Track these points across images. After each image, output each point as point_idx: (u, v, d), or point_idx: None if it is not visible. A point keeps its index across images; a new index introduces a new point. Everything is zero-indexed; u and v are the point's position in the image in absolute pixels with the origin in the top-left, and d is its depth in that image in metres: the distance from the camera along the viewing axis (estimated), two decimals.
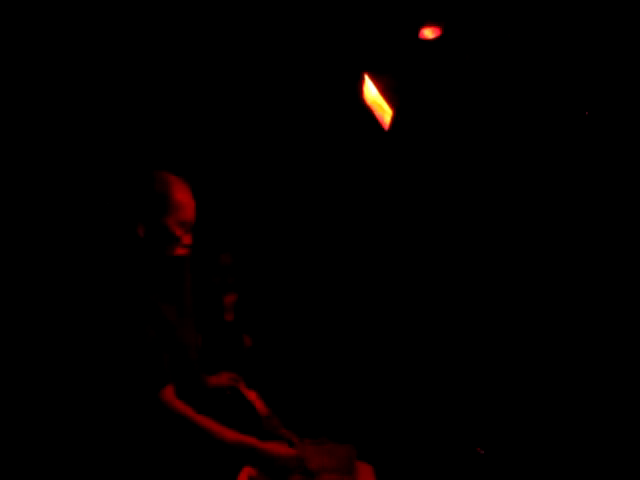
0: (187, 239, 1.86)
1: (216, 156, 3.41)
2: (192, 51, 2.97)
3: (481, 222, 3.12)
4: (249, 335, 3.34)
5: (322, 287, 3.53)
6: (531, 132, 2.89)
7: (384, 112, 3.19)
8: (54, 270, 2.68)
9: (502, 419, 2.84)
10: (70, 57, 2.74)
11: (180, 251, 1.85)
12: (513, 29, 2.79)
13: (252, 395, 2.40)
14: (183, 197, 1.82)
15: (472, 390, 3.01)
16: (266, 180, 3.51)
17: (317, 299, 3.53)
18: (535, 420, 2.73)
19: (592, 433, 2.55)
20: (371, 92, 3.19)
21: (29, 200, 2.69)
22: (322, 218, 3.51)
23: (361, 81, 3.19)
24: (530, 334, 2.86)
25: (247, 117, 3.35)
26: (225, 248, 3.19)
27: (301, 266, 3.57)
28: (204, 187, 2.05)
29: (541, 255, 2.84)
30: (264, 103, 3.34)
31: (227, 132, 3.40)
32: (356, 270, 3.49)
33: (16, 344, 2.57)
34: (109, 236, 1.88)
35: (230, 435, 1.72)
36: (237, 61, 3.11)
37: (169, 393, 1.68)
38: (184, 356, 1.87)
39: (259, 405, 2.33)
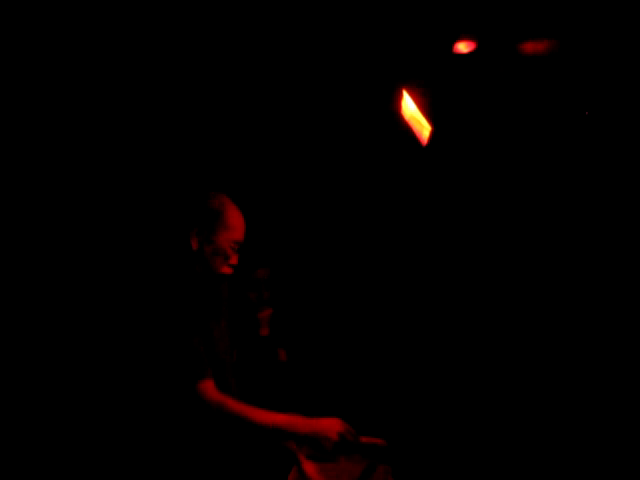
0: (234, 259, 1.97)
1: (251, 171, 3.44)
2: (234, 74, 3.01)
3: (519, 236, 3.10)
4: (284, 350, 3.34)
5: (357, 302, 3.52)
6: (568, 144, 2.88)
7: (422, 127, 3.19)
8: (112, 270, 2.79)
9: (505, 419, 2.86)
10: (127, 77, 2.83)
11: (226, 269, 1.96)
12: (540, 39, 2.79)
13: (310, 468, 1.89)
14: (237, 219, 1.97)
15: (477, 392, 3.04)
16: (302, 196, 3.52)
17: (352, 314, 3.52)
18: (536, 420, 2.76)
19: (592, 433, 2.56)
20: (409, 107, 3.18)
21: (91, 208, 2.80)
22: (359, 234, 3.51)
23: (399, 96, 3.18)
24: (530, 334, 2.89)
25: (285, 132, 3.37)
26: (261, 263, 3.20)
27: (337, 281, 3.56)
28: (241, 202, 2.09)
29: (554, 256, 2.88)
30: (302, 120, 3.35)
31: (263, 147, 3.43)
32: (393, 286, 3.47)
33: (71, 338, 2.66)
34: (165, 245, 1.97)
35: (274, 417, 1.74)
36: (275, 77, 3.14)
37: (209, 385, 1.70)
38: (221, 372, 1.89)
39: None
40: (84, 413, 2.62)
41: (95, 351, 2.68)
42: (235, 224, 1.94)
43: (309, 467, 1.83)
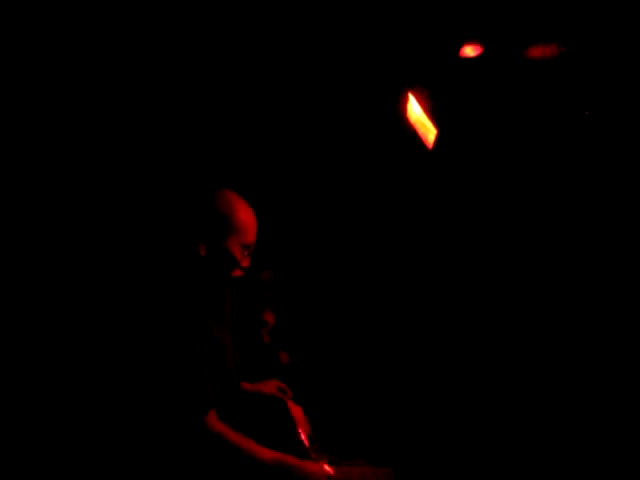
0: (246, 262, 1.86)
1: (257, 173, 3.42)
2: (243, 75, 3.01)
3: (524, 239, 3.11)
4: (286, 352, 3.32)
5: (362, 305, 3.51)
6: (575, 148, 2.89)
7: (428, 131, 3.18)
8: (115, 283, 2.71)
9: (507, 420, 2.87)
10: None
11: (238, 273, 1.86)
12: (547, 42, 2.80)
13: (298, 412, 2.21)
14: (246, 220, 1.81)
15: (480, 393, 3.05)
16: (308, 198, 3.51)
17: (356, 317, 3.51)
18: (537, 421, 2.77)
19: (592, 433, 2.57)
20: (415, 111, 3.18)
21: (97, 214, 2.72)
22: (364, 238, 3.50)
23: (405, 99, 3.18)
24: (531, 334, 2.90)
25: (290, 135, 3.36)
26: (266, 264, 3.19)
27: (341, 283, 3.55)
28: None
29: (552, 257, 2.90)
30: (308, 122, 3.34)
31: (267, 149, 3.42)
32: (398, 290, 3.46)
33: (69, 357, 2.60)
34: (171, 252, 1.89)
35: (267, 454, 1.74)
36: (282, 80, 3.13)
37: (212, 417, 1.68)
38: (226, 373, 1.87)
39: (302, 424, 2.15)
40: (81, 428, 2.56)
41: (96, 364, 2.62)
42: (245, 226, 1.80)
43: None
